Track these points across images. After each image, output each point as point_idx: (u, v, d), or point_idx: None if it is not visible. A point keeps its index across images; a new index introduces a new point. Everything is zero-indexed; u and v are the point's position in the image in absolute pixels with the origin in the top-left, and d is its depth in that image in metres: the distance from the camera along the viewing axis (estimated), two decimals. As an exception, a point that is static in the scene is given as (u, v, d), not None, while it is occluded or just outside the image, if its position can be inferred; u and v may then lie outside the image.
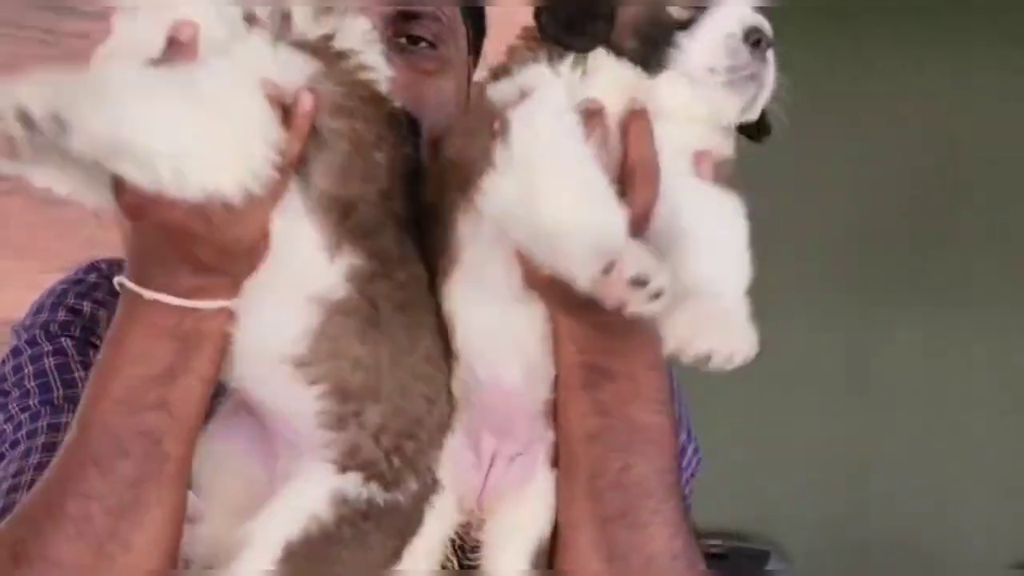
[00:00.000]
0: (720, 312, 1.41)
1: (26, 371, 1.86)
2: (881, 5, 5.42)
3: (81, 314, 1.90)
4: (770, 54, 1.53)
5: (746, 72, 1.52)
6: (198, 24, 1.37)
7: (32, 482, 1.62)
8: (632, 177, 1.46)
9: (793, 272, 5.59)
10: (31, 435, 1.77)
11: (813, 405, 5.64)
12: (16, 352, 1.89)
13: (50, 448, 1.70)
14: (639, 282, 1.27)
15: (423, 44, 1.82)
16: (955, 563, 5.63)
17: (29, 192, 2.86)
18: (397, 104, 1.54)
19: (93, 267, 1.98)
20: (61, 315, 1.89)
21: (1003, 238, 5.68)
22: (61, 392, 1.82)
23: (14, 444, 1.78)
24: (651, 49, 1.53)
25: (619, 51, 1.54)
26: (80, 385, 1.75)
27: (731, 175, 1.54)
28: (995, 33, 5.54)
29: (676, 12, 1.54)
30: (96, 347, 1.79)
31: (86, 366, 1.81)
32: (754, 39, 1.53)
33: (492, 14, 2.00)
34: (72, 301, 1.91)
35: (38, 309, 1.93)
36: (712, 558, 5.40)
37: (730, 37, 1.52)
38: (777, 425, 5.57)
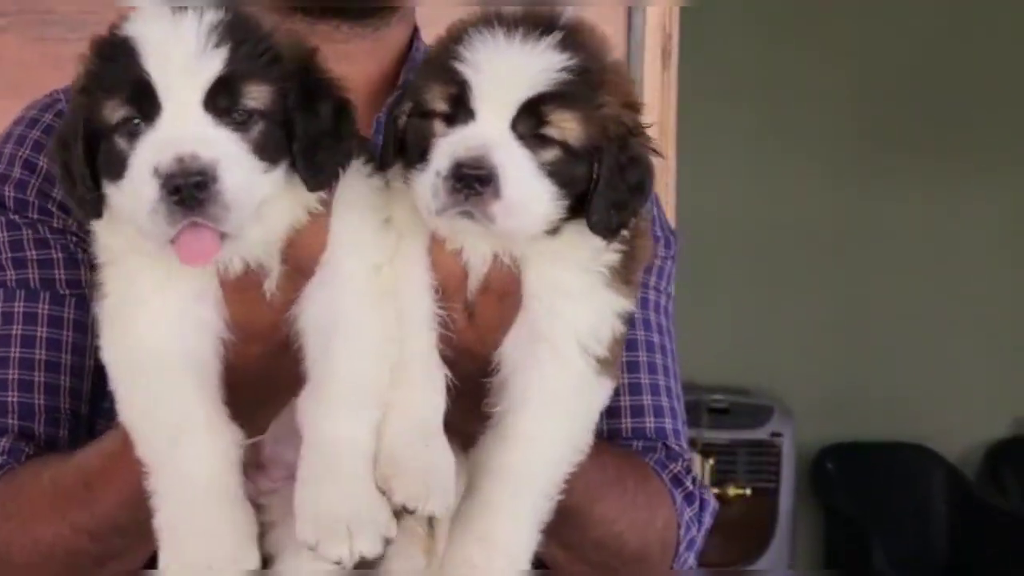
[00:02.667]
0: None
1: None
2: None
3: (36, 171, 1.87)
4: (503, 185, 1.39)
5: (453, 211, 1.41)
6: None
7: None
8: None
9: (797, 129, 5.54)
10: None
11: (815, 262, 5.64)
12: None
13: (3, 338, 1.79)
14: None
15: None
16: (953, 417, 5.70)
17: (23, 30, 2.82)
18: None
19: (52, 103, 1.93)
20: (17, 173, 1.86)
21: (1006, 93, 5.59)
22: (13, 275, 1.82)
23: None
24: (414, 160, 1.47)
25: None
26: (31, 267, 1.81)
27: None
28: None
29: (437, 128, 1.46)
30: (51, 213, 1.83)
31: (40, 243, 1.82)
32: (462, 175, 1.39)
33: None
34: (28, 153, 1.88)
35: None
36: (715, 412, 5.49)
37: (437, 176, 1.41)
38: (779, 283, 5.58)
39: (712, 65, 4.96)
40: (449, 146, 1.42)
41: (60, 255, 1.83)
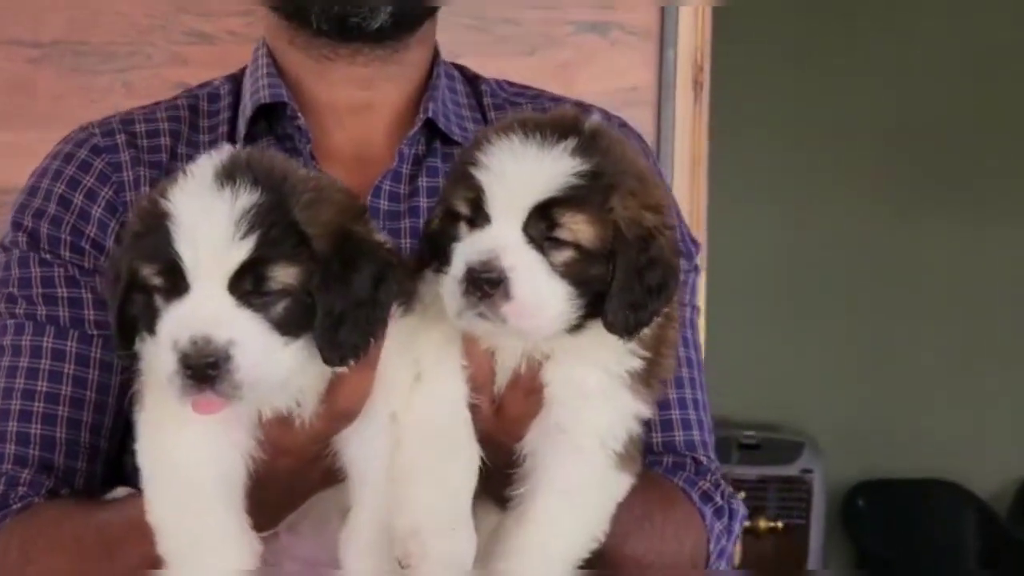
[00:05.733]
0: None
1: (12, 274, 1.90)
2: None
3: (71, 207, 1.90)
4: (512, 287, 1.44)
5: (469, 313, 1.46)
6: None
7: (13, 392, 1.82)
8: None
9: (829, 164, 5.53)
10: (15, 350, 1.86)
11: (846, 298, 5.60)
12: (6, 248, 1.93)
13: (32, 371, 1.85)
14: None
15: None
16: (984, 454, 5.65)
17: (58, 61, 2.84)
18: None
19: (87, 138, 1.96)
20: (52, 209, 1.90)
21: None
22: (44, 311, 1.87)
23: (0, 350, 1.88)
24: (443, 262, 1.52)
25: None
26: (61, 305, 1.86)
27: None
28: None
29: (462, 231, 1.51)
30: (83, 251, 1.88)
31: (70, 282, 1.87)
32: (473, 279, 1.45)
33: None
34: (63, 189, 1.92)
35: (31, 190, 1.94)
36: (746, 448, 5.46)
37: (453, 280, 1.47)
38: (811, 318, 5.56)
39: (744, 98, 4.95)
40: (464, 250, 1.47)
41: (89, 296, 1.87)
